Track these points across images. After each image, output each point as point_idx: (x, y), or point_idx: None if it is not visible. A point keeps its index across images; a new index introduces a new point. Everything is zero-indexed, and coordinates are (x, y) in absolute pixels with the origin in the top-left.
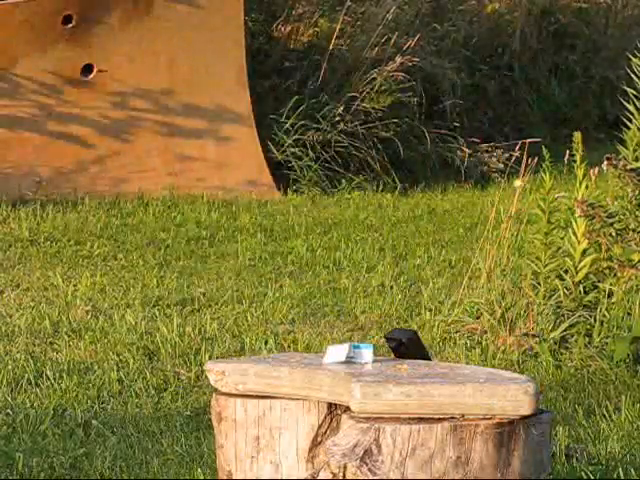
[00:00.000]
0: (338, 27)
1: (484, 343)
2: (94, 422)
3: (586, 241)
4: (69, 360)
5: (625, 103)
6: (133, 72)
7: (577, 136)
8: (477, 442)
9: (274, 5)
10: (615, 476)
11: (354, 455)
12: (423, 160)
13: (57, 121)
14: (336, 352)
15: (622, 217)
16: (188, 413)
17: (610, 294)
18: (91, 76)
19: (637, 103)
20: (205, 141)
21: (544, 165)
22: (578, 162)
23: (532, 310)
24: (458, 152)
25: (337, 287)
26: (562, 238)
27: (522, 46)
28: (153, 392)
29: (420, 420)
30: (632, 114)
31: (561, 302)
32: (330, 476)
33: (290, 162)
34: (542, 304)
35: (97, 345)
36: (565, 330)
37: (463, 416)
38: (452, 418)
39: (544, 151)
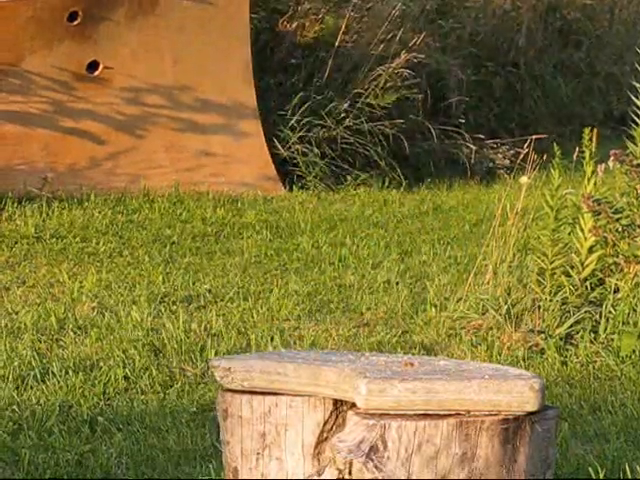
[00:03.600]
0: (344, 24)
1: (490, 339)
2: (100, 419)
3: (592, 237)
4: (75, 357)
5: (633, 98)
6: (138, 69)
7: (587, 132)
8: (483, 438)
9: (279, 2)
10: (621, 474)
11: (360, 451)
12: (428, 156)
13: (62, 118)
14: None
15: (629, 213)
16: (194, 409)
17: (616, 290)
18: (97, 73)
19: None
20: (210, 138)
21: (553, 161)
22: (587, 158)
23: (538, 306)
24: (464, 148)
25: (343, 283)
26: (569, 234)
27: (527, 42)
28: (159, 389)
29: (426, 416)
30: None
31: (567, 298)
32: (336, 472)
33: (295, 159)
34: (548, 300)
35: (103, 342)
36: (571, 326)
37: (469, 412)
38: (458, 414)
39: (554, 147)
